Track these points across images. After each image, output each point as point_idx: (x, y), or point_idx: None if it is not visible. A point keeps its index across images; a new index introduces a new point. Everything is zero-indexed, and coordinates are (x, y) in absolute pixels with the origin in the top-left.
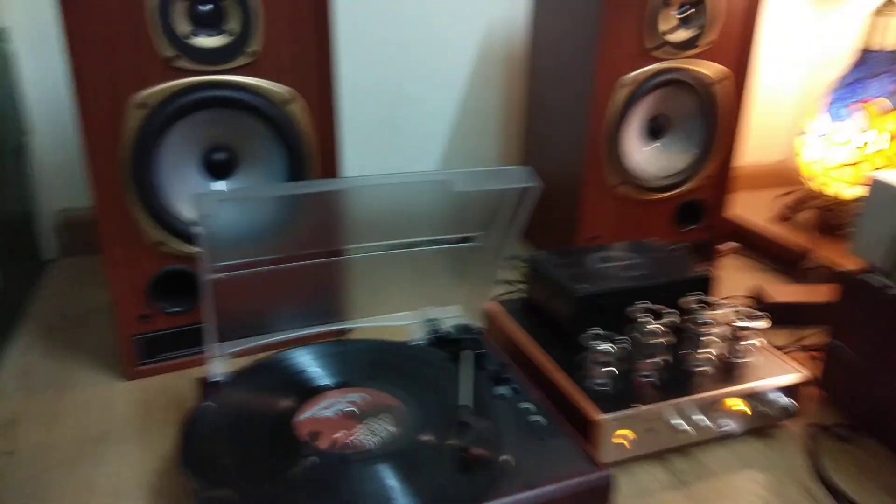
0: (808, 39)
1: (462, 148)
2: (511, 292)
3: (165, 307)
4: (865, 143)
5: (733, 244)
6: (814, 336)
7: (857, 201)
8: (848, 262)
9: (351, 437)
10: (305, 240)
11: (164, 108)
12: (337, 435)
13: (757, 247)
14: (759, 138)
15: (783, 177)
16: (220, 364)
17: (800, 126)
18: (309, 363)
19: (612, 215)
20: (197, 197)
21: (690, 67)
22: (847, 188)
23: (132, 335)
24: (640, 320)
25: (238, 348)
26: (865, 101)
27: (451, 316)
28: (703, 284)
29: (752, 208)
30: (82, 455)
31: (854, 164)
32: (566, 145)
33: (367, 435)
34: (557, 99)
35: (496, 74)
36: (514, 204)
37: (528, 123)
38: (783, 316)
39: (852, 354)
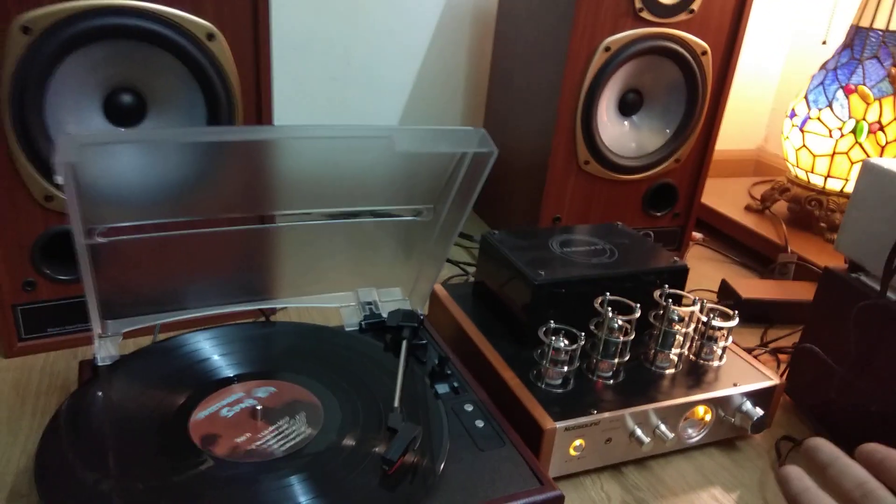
0: (794, 14)
1: (416, 116)
2: (461, 275)
3: (54, 274)
4: (850, 132)
5: (697, 235)
6: (785, 339)
7: (838, 195)
8: (824, 259)
9: (256, 442)
10: (219, 201)
11: (56, 34)
12: (239, 439)
13: (724, 238)
14: (735, 123)
15: (760, 166)
16: (107, 346)
17: (781, 111)
18: (212, 349)
19: (578, 196)
20: (59, 141)
21: (679, 34)
22: (827, 180)
23: (14, 305)
24: (604, 314)
25: (132, 328)
26: (852, 88)
27: (390, 300)
28: (678, 277)
29: (722, 197)
30: None
31: (836, 154)
32: (534, 115)
33: (277, 439)
34: (527, 63)
35: (461, 33)
36: (466, 172)
37: (490, 90)
38: (750, 314)
39: (827, 360)
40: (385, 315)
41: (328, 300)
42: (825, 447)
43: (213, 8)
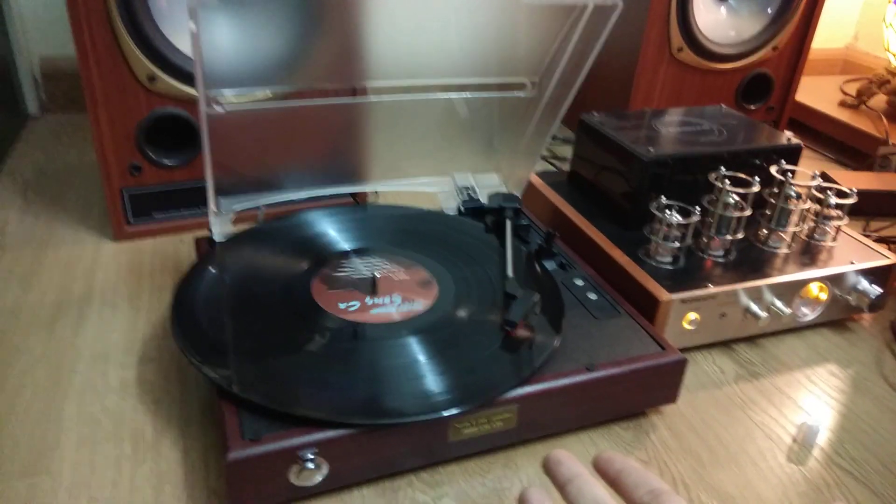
0: None
1: None
2: (550, 171)
3: (159, 159)
4: None
5: (787, 133)
6: (890, 228)
7: None
8: None
9: (375, 308)
10: (319, 70)
11: None
12: (358, 303)
13: (816, 136)
14: (824, 20)
15: (848, 65)
16: (222, 223)
17: (874, 5)
18: (328, 226)
19: (669, 86)
20: None
21: None
22: None
23: (122, 188)
24: (721, 189)
25: (243, 206)
26: None
27: (487, 186)
28: (792, 155)
29: (813, 93)
30: (63, 317)
31: None
32: None
33: (395, 306)
34: None
35: None
36: (581, 35)
37: None
38: (852, 206)
39: None
40: (483, 200)
41: (424, 185)
42: (567, 462)
43: None
